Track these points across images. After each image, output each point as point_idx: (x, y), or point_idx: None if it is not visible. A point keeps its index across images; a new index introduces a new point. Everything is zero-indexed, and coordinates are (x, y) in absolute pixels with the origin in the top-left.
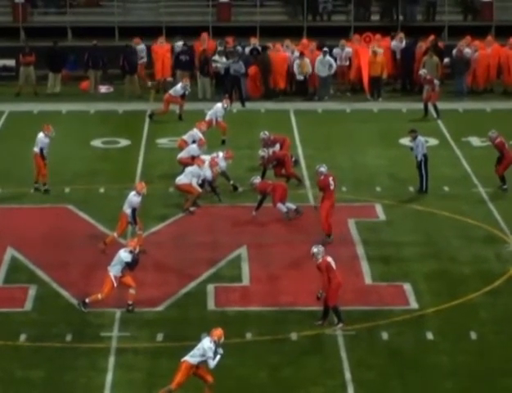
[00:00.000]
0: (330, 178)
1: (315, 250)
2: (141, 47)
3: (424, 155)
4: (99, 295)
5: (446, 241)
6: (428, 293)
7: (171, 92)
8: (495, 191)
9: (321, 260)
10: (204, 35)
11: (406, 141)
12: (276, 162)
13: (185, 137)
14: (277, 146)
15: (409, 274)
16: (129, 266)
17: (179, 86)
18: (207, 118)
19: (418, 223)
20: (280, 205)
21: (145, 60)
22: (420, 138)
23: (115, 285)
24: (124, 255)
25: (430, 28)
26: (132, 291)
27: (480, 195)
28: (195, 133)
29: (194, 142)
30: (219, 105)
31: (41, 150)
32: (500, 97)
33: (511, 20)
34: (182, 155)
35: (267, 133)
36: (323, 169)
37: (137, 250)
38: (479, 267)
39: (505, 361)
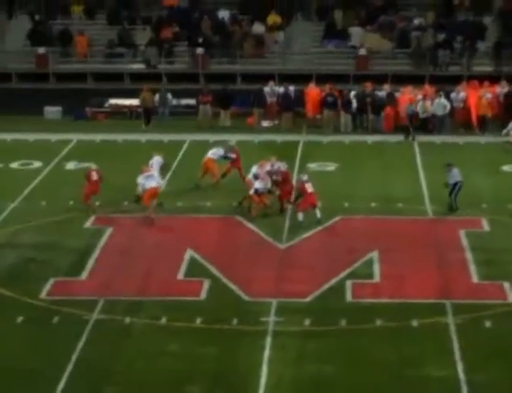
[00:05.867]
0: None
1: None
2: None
3: (456, 183)
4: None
5: None
6: None
7: None
8: None
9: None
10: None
11: (507, 167)
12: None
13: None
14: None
15: (508, 275)
16: None
17: None
18: None
19: None
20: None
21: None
22: (454, 169)
23: None
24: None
25: None
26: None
27: None
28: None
29: None
30: None
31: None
32: None
33: None
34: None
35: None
36: (304, 177)
37: None
38: None
39: None
